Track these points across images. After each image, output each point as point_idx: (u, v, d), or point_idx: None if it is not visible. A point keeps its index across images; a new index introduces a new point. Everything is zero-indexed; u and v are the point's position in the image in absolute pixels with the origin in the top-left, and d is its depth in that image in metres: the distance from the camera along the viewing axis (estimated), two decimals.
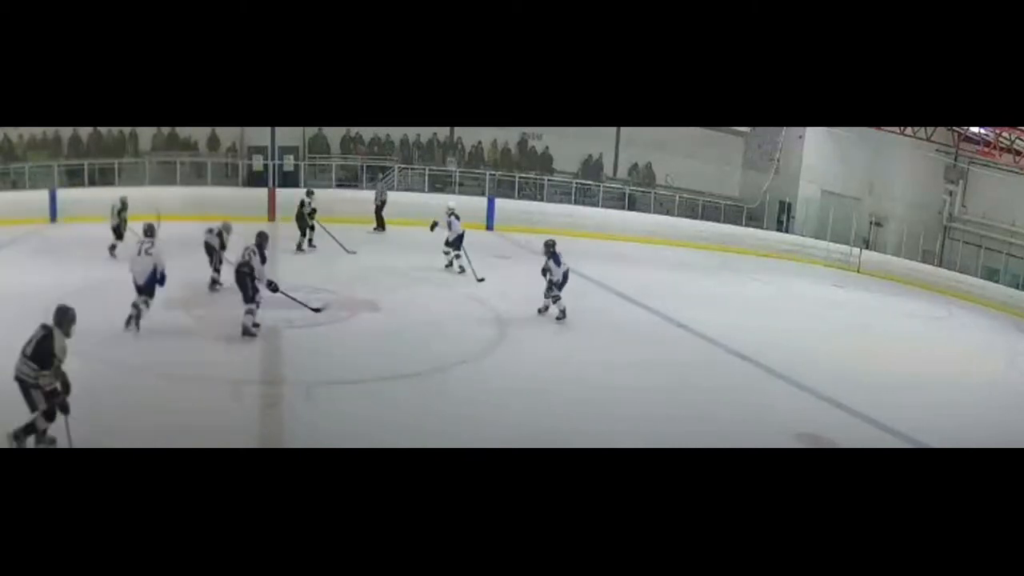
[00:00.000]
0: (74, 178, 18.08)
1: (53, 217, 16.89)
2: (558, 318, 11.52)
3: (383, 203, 18.51)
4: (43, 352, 6.30)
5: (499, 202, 20.39)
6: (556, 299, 11.52)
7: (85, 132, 19.04)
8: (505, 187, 21.32)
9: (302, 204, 15.78)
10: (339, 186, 20.24)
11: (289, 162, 20.17)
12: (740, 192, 23.10)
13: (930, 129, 19.36)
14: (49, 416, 6.31)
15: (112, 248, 13.95)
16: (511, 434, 7.22)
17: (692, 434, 7.78)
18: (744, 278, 17.33)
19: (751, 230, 21.55)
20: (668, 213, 21.64)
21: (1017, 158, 18.26)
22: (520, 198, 21.00)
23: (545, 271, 11.56)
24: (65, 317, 6.53)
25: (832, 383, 9.76)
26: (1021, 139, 18.08)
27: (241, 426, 7.08)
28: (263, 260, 9.79)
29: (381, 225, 18.30)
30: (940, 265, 19.57)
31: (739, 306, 14.19)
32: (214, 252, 12.27)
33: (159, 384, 7.96)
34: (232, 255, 10.86)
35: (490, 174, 21.37)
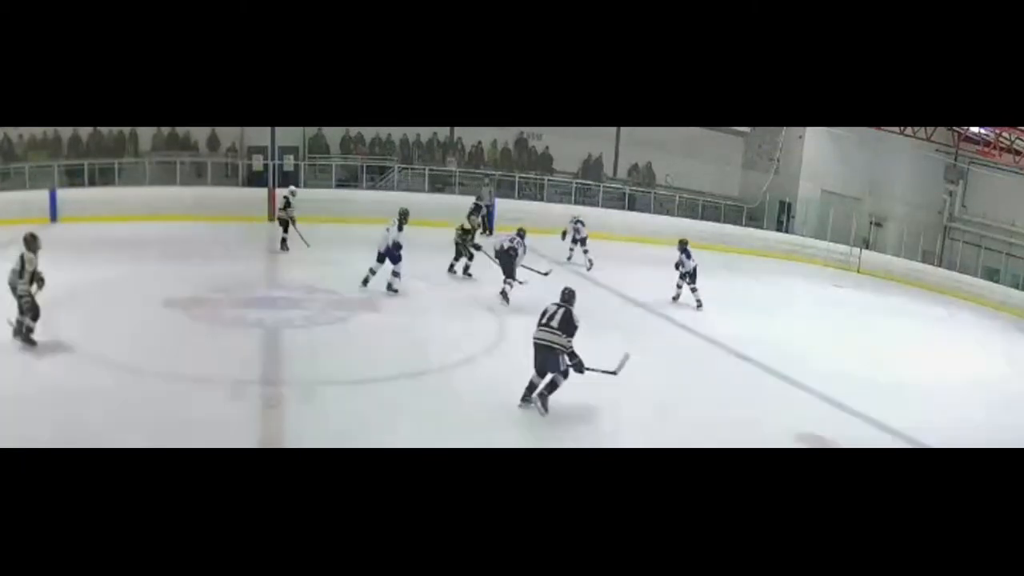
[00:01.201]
0: (74, 178, 18.04)
1: (53, 217, 16.89)
2: (697, 307, 13.41)
3: (491, 207, 19.02)
4: (569, 325, 7.86)
5: (499, 202, 20.39)
6: (693, 289, 13.57)
7: (85, 132, 19.01)
8: (505, 187, 21.31)
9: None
10: (339, 186, 20.22)
11: (289, 162, 20.15)
12: (740, 192, 23.10)
13: (930, 129, 19.35)
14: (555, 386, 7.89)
15: (284, 241, 15.05)
16: (511, 434, 7.22)
17: (692, 434, 7.78)
18: (744, 278, 17.32)
19: (751, 230, 21.54)
20: (668, 213, 21.63)
21: (1017, 158, 18.26)
22: (520, 198, 20.98)
23: (678, 265, 13.64)
24: (574, 296, 8.16)
25: (832, 383, 9.76)
26: (1021, 139, 18.09)
27: (241, 426, 7.07)
28: (525, 250, 12.82)
29: (488, 230, 18.71)
30: (940, 265, 19.58)
31: (739, 306, 14.19)
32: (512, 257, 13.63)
33: (159, 384, 7.96)
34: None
35: (490, 174, 21.38)
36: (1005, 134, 18.36)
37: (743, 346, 11.16)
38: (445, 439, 6.87)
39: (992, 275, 18.51)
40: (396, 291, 12.18)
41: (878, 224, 21.14)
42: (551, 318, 7.88)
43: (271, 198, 18.70)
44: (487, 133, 22.21)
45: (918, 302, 17.25)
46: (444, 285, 13.40)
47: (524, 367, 9.64)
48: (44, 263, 8.70)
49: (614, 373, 8.19)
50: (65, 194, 17.17)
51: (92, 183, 18.08)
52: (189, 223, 16.87)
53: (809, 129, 21.53)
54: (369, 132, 21.66)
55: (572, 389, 8.86)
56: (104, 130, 19.25)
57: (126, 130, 19.42)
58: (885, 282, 19.26)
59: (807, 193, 21.88)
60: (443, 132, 22.36)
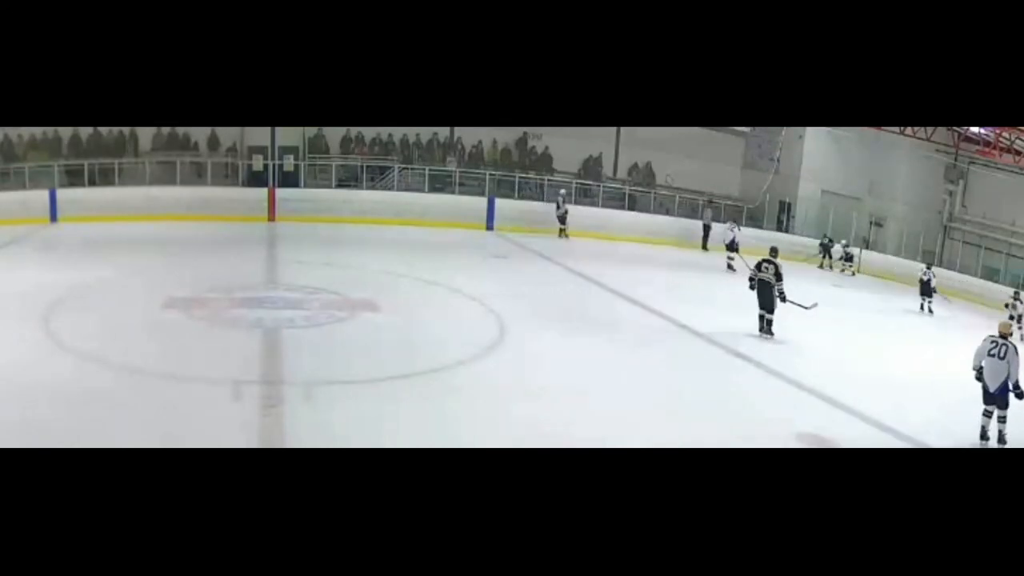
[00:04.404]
0: (74, 178, 18.06)
1: (53, 217, 16.90)
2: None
3: (709, 227, 20.27)
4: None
5: (499, 202, 20.39)
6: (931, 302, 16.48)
7: (85, 132, 19.03)
8: (505, 187, 21.32)
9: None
10: (339, 186, 20.23)
11: (289, 162, 20.16)
12: (740, 192, 23.10)
13: (930, 129, 19.36)
14: None
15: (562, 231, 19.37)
16: (511, 434, 7.21)
17: (692, 434, 7.78)
18: (744, 278, 17.30)
19: (751, 230, 21.54)
20: (668, 213, 21.64)
21: (1017, 158, 18.26)
22: (520, 198, 20.98)
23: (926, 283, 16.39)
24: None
25: (832, 382, 9.75)
26: (1021, 139, 18.09)
27: (241, 426, 7.07)
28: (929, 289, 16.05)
29: (704, 246, 20.25)
30: (940, 265, 19.58)
31: (738, 306, 14.17)
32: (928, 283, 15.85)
33: (159, 384, 7.96)
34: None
35: (490, 174, 21.36)
36: (1005, 134, 18.36)
37: (743, 346, 11.16)
38: (445, 439, 6.88)
39: (992, 275, 18.51)
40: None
41: (878, 224, 21.14)
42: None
43: (271, 198, 18.71)
44: (487, 133, 22.21)
45: (918, 302, 17.23)
46: (442, 285, 13.40)
47: (523, 367, 9.69)
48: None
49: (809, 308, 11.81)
50: (65, 194, 17.19)
51: (92, 183, 18.09)
52: (189, 223, 16.88)
53: (809, 129, 21.55)
54: (369, 132, 21.66)
55: (571, 387, 8.89)
56: (104, 130, 19.25)
57: (126, 130, 19.43)
58: (885, 282, 19.26)
59: (807, 193, 21.89)
60: (443, 132, 22.36)
